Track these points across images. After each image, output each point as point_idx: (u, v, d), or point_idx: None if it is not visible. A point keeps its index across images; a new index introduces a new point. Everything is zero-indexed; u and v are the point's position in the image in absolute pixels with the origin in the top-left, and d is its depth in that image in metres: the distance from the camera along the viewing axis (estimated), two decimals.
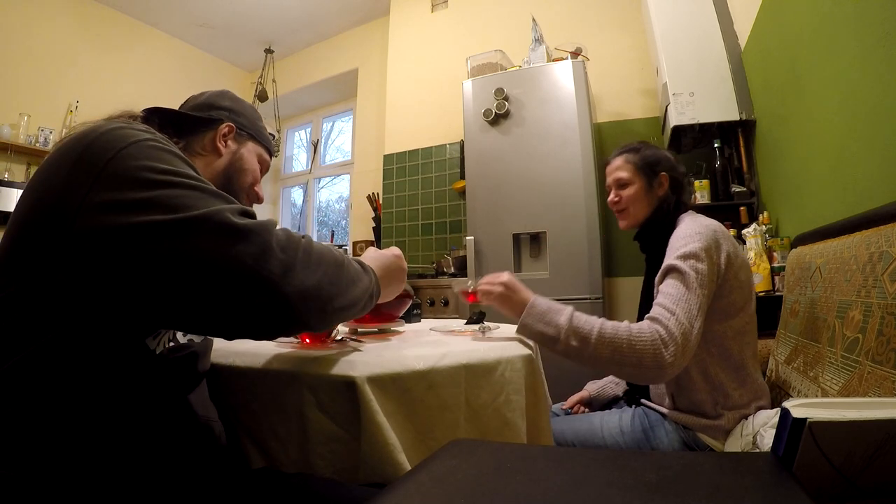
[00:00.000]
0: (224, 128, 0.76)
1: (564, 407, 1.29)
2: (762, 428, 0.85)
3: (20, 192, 2.98)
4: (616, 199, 1.13)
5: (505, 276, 0.91)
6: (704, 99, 2.01)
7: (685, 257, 0.90)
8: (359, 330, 0.96)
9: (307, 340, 0.80)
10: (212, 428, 0.65)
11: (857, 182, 1.11)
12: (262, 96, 3.91)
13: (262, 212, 3.98)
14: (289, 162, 4.68)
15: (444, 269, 2.64)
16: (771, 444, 0.44)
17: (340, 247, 2.80)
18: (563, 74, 2.27)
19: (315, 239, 0.55)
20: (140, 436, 0.52)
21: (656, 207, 1.10)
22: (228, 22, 3.73)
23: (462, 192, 2.93)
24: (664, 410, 1.00)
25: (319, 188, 4.51)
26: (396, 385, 0.65)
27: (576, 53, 2.45)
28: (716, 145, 2.12)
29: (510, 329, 1.02)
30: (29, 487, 0.43)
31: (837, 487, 0.40)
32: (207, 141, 0.75)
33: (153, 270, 0.44)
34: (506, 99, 2.34)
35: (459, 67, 2.86)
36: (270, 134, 0.89)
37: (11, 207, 2.69)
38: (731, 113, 1.98)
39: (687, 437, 0.96)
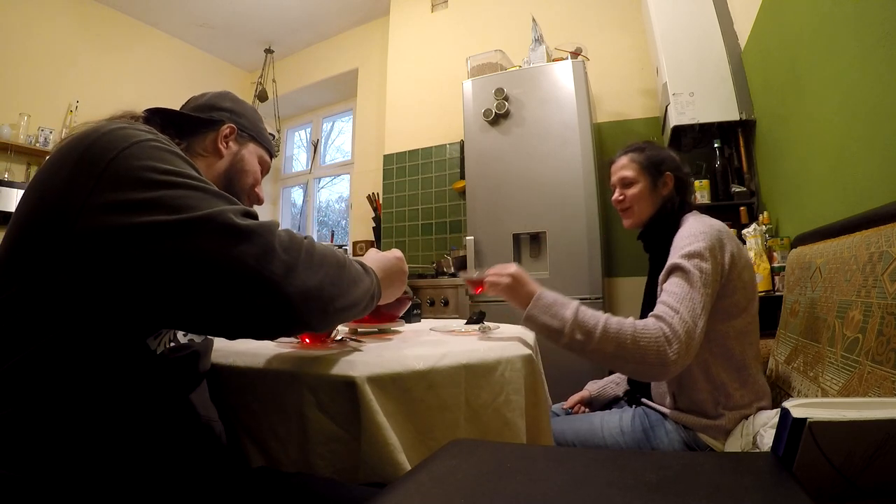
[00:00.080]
0: (225, 129, 0.76)
1: (565, 407, 1.29)
2: (762, 428, 0.85)
3: (20, 192, 2.98)
4: (620, 197, 1.13)
5: (513, 268, 0.92)
6: (704, 99, 2.01)
7: (689, 256, 0.90)
8: (359, 330, 0.96)
9: (307, 340, 0.80)
10: (212, 428, 0.65)
11: (857, 182, 1.12)
12: (262, 96, 3.91)
13: (262, 212, 3.97)
14: (289, 162, 4.68)
15: (444, 269, 2.64)
16: (771, 444, 0.44)
17: (340, 247, 2.80)
18: (563, 74, 2.27)
19: (315, 239, 0.55)
20: (141, 435, 0.52)
21: (660, 207, 1.10)
22: (228, 22, 3.73)
23: (462, 192, 2.93)
24: (665, 410, 1.00)
25: (319, 188, 4.51)
26: (396, 385, 0.65)
27: (576, 53, 2.45)
28: (716, 145, 2.12)
29: (510, 329, 1.02)
30: (29, 487, 0.43)
31: (837, 487, 0.40)
32: (209, 142, 0.75)
33: (156, 271, 0.44)
34: (506, 99, 2.34)
35: (459, 67, 2.86)
36: (270, 134, 0.89)
37: (11, 207, 2.69)
38: (731, 113, 1.98)
39: (687, 437, 0.96)
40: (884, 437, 0.38)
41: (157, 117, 0.69)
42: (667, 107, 2.11)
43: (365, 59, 3.87)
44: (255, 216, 0.49)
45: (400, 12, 3.53)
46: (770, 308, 1.34)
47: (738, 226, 1.90)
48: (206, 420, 0.64)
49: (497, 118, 2.35)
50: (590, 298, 2.06)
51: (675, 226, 1.03)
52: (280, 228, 0.50)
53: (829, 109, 1.24)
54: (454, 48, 3.17)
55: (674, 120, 2.03)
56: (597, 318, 0.84)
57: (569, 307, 0.86)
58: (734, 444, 0.89)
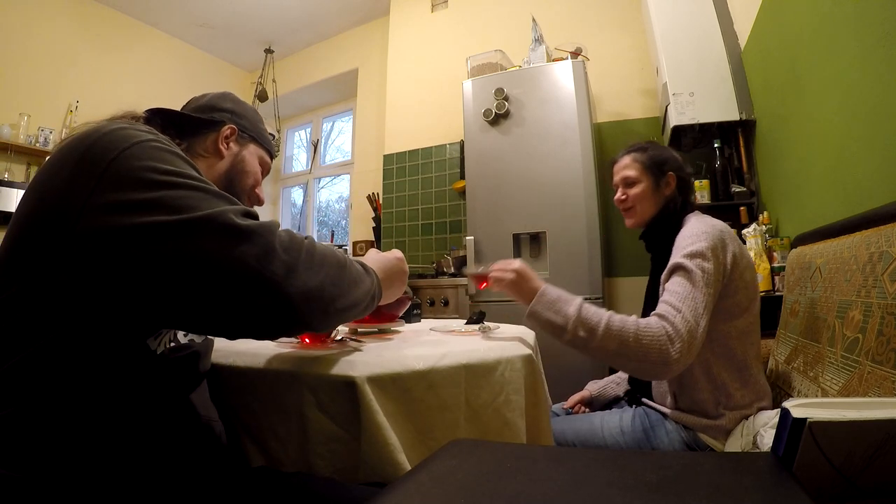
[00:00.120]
0: (226, 130, 0.76)
1: (565, 406, 1.29)
2: (762, 428, 0.85)
3: (20, 192, 2.98)
4: (623, 197, 1.13)
5: (517, 264, 0.92)
6: (704, 99, 2.01)
7: (692, 256, 0.90)
8: (359, 330, 0.96)
9: (307, 340, 0.80)
10: (212, 428, 0.65)
11: (857, 182, 1.12)
12: (262, 96, 3.91)
13: (262, 212, 3.96)
14: (289, 162, 4.68)
15: (444, 270, 2.64)
16: (771, 445, 0.44)
17: (340, 247, 2.81)
18: (563, 74, 2.27)
19: (315, 239, 0.55)
20: (141, 436, 0.52)
21: (663, 207, 1.10)
22: (228, 22, 3.73)
23: (462, 192, 2.93)
24: (666, 410, 1.00)
25: (319, 188, 4.51)
26: (396, 385, 0.65)
27: (576, 53, 2.45)
28: (716, 145, 2.12)
29: (510, 329, 1.02)
30: (29, 487, 0.43)
31: (837, 487, 0.40)
32: (209, 143, 0.75)
33: (156, 271, 0.44)
34: (506, 99, 2.34)
35: (459, 67, 2.86)
36: (270, 134, 0.89)
37: (11, 207, 2.69)
38: (731, 113, 1.98)
39: (687, 437, 0.96)
40: (884, 437, 0.38)
41: (157, 118, 0.69)
42: (667, 107, 2.11)
43: (365, 59, 3.87)
44: (255, 216, 0.50)
45: (400, 12, 3.53)
46: (770, 308, 1.34)
47: (738, 226, 1.90)
48: (206, 420, 0.64)
49: (497, 118, 2.35)
50: (590, 298, 2.05)
51: (677, 226, 1.03)
52: (280, 229, 0.50)
53: (829, 109, 1.24)
54: (454, 48, 3.17)
55: (674, 120, 2.03)
56: (600, 315, 0.85)
57: (572, 304, 0.86)
58: (734, 444, 0.89)
